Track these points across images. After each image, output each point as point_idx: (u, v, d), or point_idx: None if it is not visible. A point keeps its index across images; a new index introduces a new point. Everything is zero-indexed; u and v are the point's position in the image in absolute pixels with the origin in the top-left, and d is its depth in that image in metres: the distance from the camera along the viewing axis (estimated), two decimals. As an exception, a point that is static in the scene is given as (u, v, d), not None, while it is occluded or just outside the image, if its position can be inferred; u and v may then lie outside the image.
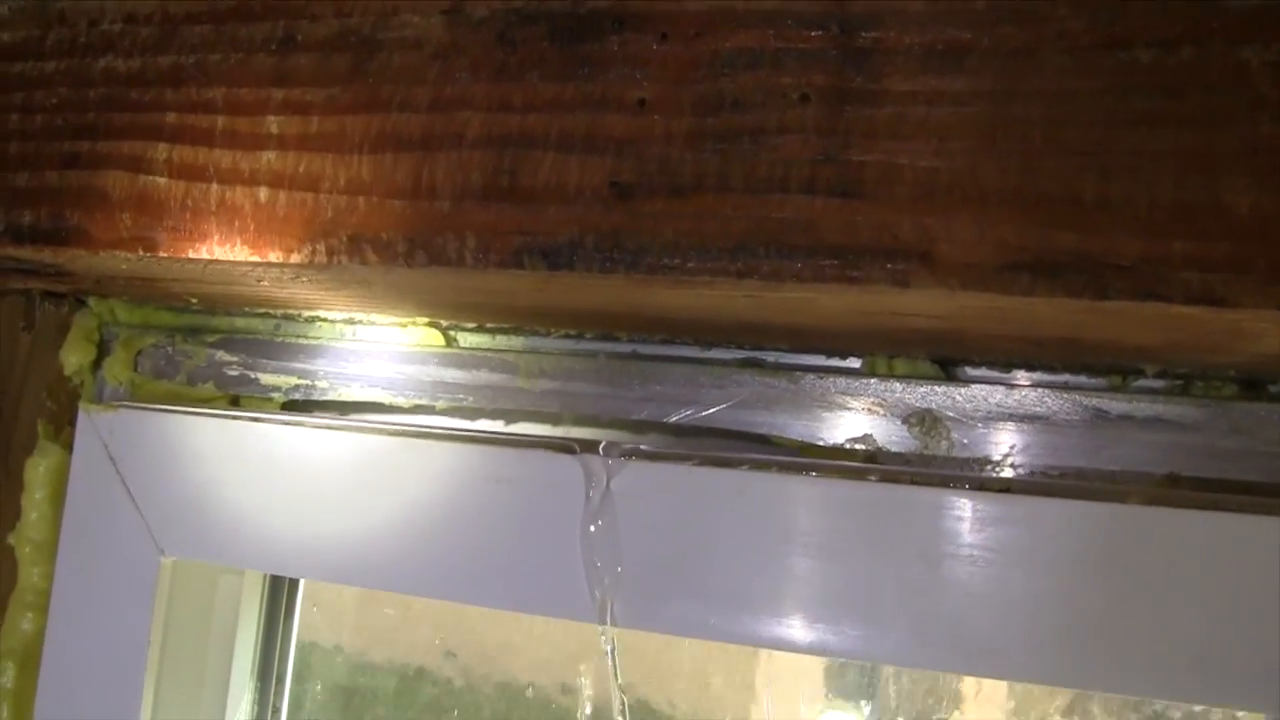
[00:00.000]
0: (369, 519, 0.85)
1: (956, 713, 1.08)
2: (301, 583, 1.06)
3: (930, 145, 0.61)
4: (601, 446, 0.80)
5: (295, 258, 0.72)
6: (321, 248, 0.72)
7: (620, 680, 0.83)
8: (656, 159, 0.65)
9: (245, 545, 0.89)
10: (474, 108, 0.70)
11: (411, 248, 0.69)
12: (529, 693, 1.19)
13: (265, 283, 0.80)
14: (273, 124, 0.74)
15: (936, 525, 0.72)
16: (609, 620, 0.79)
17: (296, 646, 1.06)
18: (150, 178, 0.77)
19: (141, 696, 0.91)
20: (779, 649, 0.76)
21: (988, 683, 1.08)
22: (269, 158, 0.74)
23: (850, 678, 1.10)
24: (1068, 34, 0.60)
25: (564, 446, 0.80)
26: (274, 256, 0.73)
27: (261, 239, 0.73)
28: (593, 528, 0.79)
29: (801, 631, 0.74)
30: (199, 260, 0.76)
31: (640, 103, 0.66)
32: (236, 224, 0.74)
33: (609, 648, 0.80)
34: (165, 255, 0.76)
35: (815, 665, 1.12)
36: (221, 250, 0.74)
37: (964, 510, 0.71)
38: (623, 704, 0.84)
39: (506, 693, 1.20)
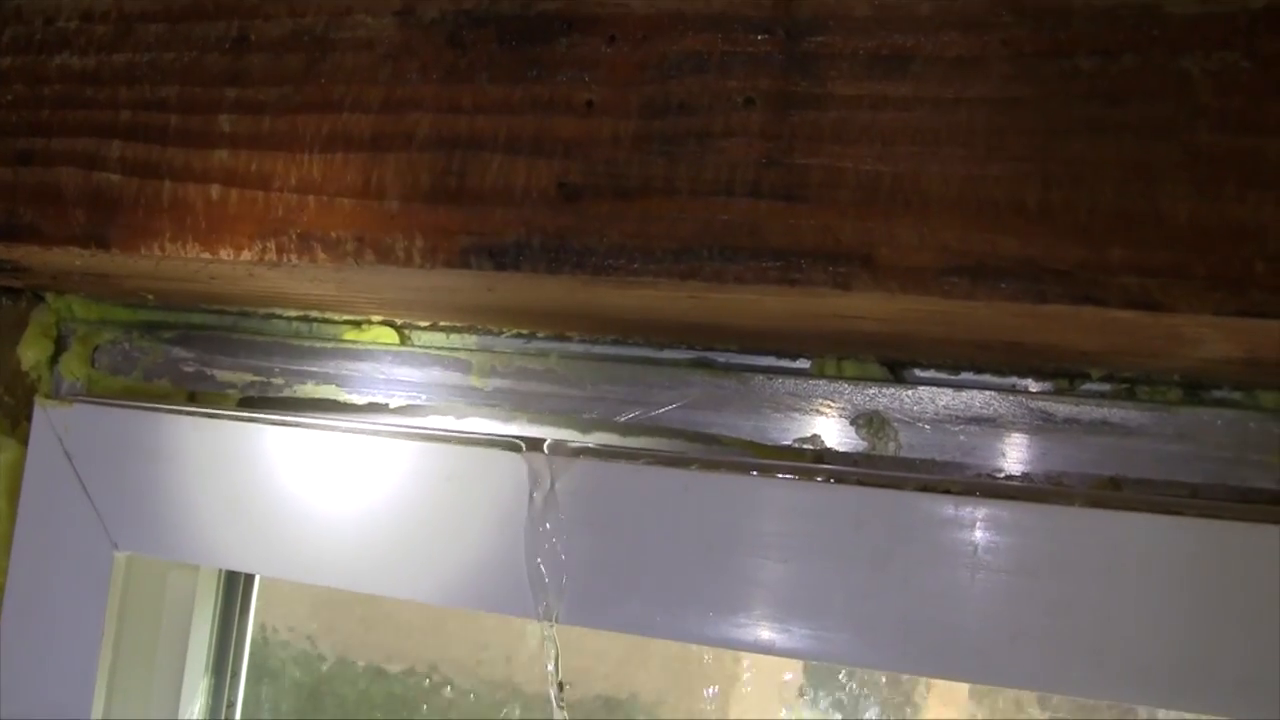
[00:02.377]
0: (321, 516, 0.86)
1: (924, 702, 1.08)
2: (257, 578, 1.06)
3: (874, 150, 0.61)
4: (546, 445, 0.80)
5: (246, 255, 0.73)
6: (272, 245, 0.72)
7: (560, 677, 0.83)
8: (604, 161, 0.65)
9: (199, 541, 0.89)
10: (424, 109, 0.70)
11: (360, 247, 0.70)
12: (474, 690, 1.19)
13: (219, 280, 0.80)
14: (225, 123, 0.74)
15: (885, 525, 0.72)
16: (551, 617, 0.79)
17: (253, 643, 1.06)
18: (103, 175, 0.77)
19: (94, 690, 0.92)
20: (726, 647, 0.76)
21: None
22: (221, 156, 0.74)
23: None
24: (1012, 41, 0.60)
25: (511, 445, 0.81)
26: (225, 254, 0.73)
27: (213, 236, 0.74)
28: (539, 526, 0.79)
29: (748, 630, 0.75)
30: (151, 257, 0.75)
31: (588, 104, 0.66)
32: (188, 221, 0.74)
33: (551, 645, 0.81)
34: (118, 252, 0.76)
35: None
36: (173, 247, 0.75)
37: (912, 511, 0.72)
38: (560, 701, 0.84)
39: (468, 689, 1.20)
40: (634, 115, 0.65)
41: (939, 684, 1.07)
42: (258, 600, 1.07)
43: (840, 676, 1.09)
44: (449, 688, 1.19)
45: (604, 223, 0.65)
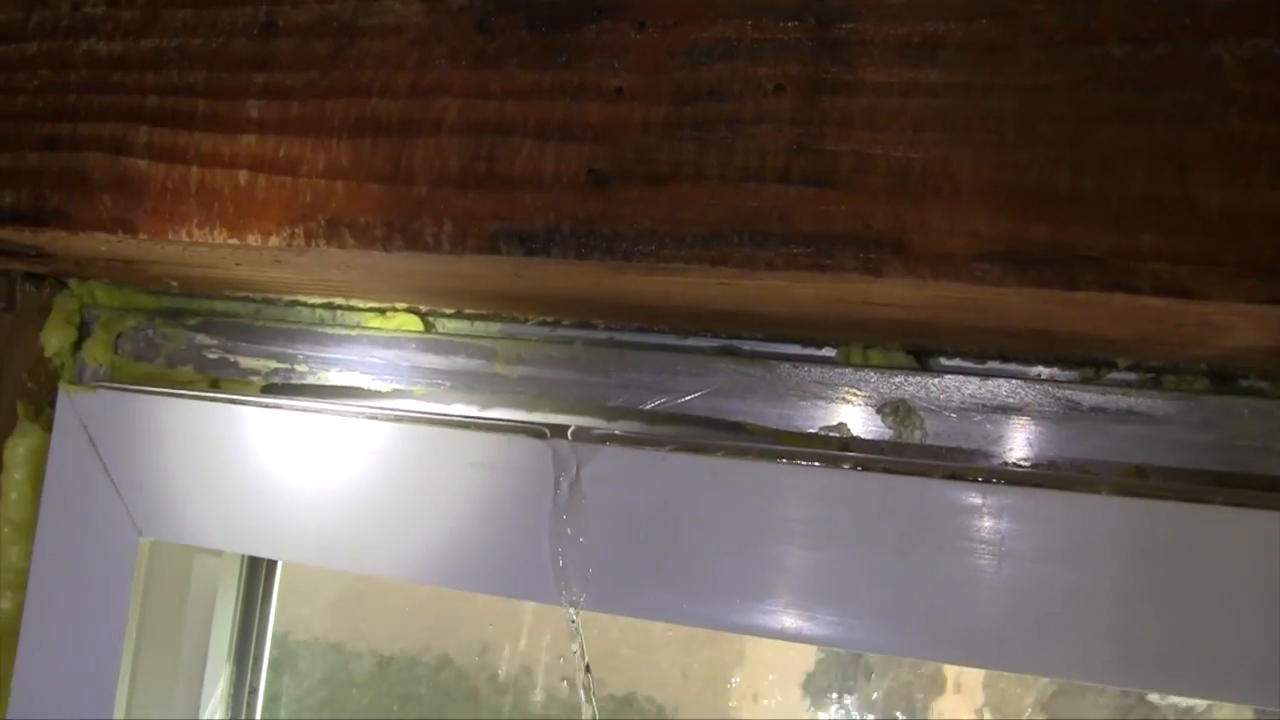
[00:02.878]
0: (345, 502, 0.86)
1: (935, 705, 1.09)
2: (279, 566, 1.06)
3: (904, 136, 0.61)
4: (570, 431, 0.80)
5: (274, 240, 0.73)
6: (300, 231, 0.72)
7: (587, 661, 0.83)
8: (633, 147, 0.65)
9: (223, 526, 0.90)
10: (452, 94, 0.70)
11: (389, 232, 0.70)
12: (501, 678, 1.19)
13: (244, 266, 0.81)
14: (253, 108, 0.75)
15: (911, 513, 0.72)
16: (575, 603, 0.79)
17: (274, 635, 1.06)
18: (130, 160, 0.77)
19: (118, 676, 0.92)
20: (751, 634, 0.76)
21: (964, 676, 1.08)
22: (249, 141, 0.74)
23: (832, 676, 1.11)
24: (1043, 28, 0.60)
25: (536, 431, 0.81)
26: (252, 239, 0.73)
27: (240, 222, 0.74)
28: (563, 513, 0.79)
29: (774, 617, 0.75)
30: (178, 242, 0.76)
31: (618, 91, 0.66)
32: (216, 206, 0.74)
33: (576, 631, 0.81)
34: (144, 237, 0.76)
35: (800, 659, 1.13)
36: (201, 233, 0.75)
37: (938, 499, 0.72)
38: (588, 687, 0.85)
39: (489, 682, 1.20)
40: (664, 101, 0.65)
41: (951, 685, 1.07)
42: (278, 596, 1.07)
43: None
44: (466, 678, 1.19)
45: (634, 208, 0.65)
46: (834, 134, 0.62)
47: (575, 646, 0.82)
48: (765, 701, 1.14)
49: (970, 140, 0.60)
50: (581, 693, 0.84)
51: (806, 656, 1.13)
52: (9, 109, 0.82)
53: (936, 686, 1.09)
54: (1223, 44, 0.57)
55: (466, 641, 1.21)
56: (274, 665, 1.07)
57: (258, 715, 1.05)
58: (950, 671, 1.09)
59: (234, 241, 0.74)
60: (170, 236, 0.76)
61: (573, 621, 0.80)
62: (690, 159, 0.64)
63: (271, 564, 1.06)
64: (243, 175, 0.74)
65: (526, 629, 1.19)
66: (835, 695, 1.11)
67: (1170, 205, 0.57)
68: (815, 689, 1.12)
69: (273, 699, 1.09)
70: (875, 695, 1.10)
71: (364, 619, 1.26)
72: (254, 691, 1.04)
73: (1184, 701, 1.00)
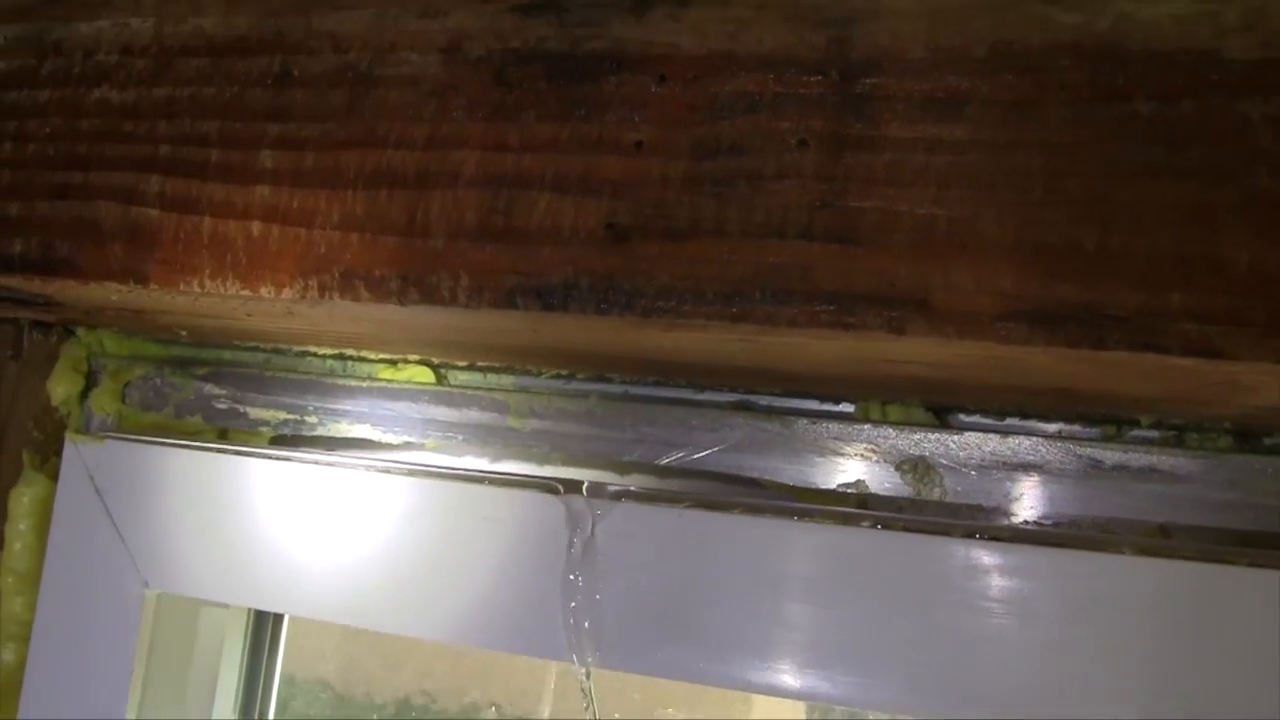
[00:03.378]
0: (354, 555, 0.85)
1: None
2: (286, 618, 1.05)
3: (929, 193, 0.60)
4: (585, 487, 0.79)
5: (287, 293, 0.72)
6: (314, 283, 0.71)
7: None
8: (653, 201, 0.65)
9: (230, 579, 0.89)
10: (470, 146, 0.69)
11: (404, 285, 0.69)
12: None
13: (256, 317, 0.80)
14: (267, 158, 0.74)
15: (930, 572, 0.72)
16: (588, 662, 0.78)
17: (280, 682, 1.05)
18: (142, 209, 0.77)
19: (124, 729, 0.91)
20: (770, 694, 0.75)
21: None
22: (262, 192, 0.74)
23: None
24: (1069, 85, 0.59)
25: (550, 487, 0.80)
26: (265, 291, 0.73)
27: (254, 273, 0.73)
28: (576, 569, 0.78)
29: (793, 677, 0.74)
30: (190, 293, 0.75)
31: (637, 145, 0.66)
32: (229, 258, 0.74)
33: (586, 690, 0.80)
34: (155, 287, 0.76)
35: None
36: (213, 284, 0.74)
37: (958, 558, 0.71)
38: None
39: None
40: (684, 156, 0.65)
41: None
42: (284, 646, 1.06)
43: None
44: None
45: (653, 264, 0.64)
46: (857, 190, 0.62)
47: (586, 706, 0.81)
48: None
49: (996, 197, 0.59)
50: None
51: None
52: (19, 157, 0.82)
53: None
54: (1250, 101, 0.57)
55: (482, 685, 1.21)
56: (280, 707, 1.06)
57: (264, 768, 1.04)
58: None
59: (246, 293, 0.73)
60: (182, 287, 0.75)
61: (584, 680, 0.79)
62: (711, 214, 0.64)
63: (279, 616, 1.05)
64: (256, 226, 0.73)
65: (542, 683, 1.18)
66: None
67: (1199, 264, 0.56)
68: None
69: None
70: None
71: (370, 665, 1.25)
72: (261, 746, 1.03)
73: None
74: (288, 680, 1.08)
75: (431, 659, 1.23)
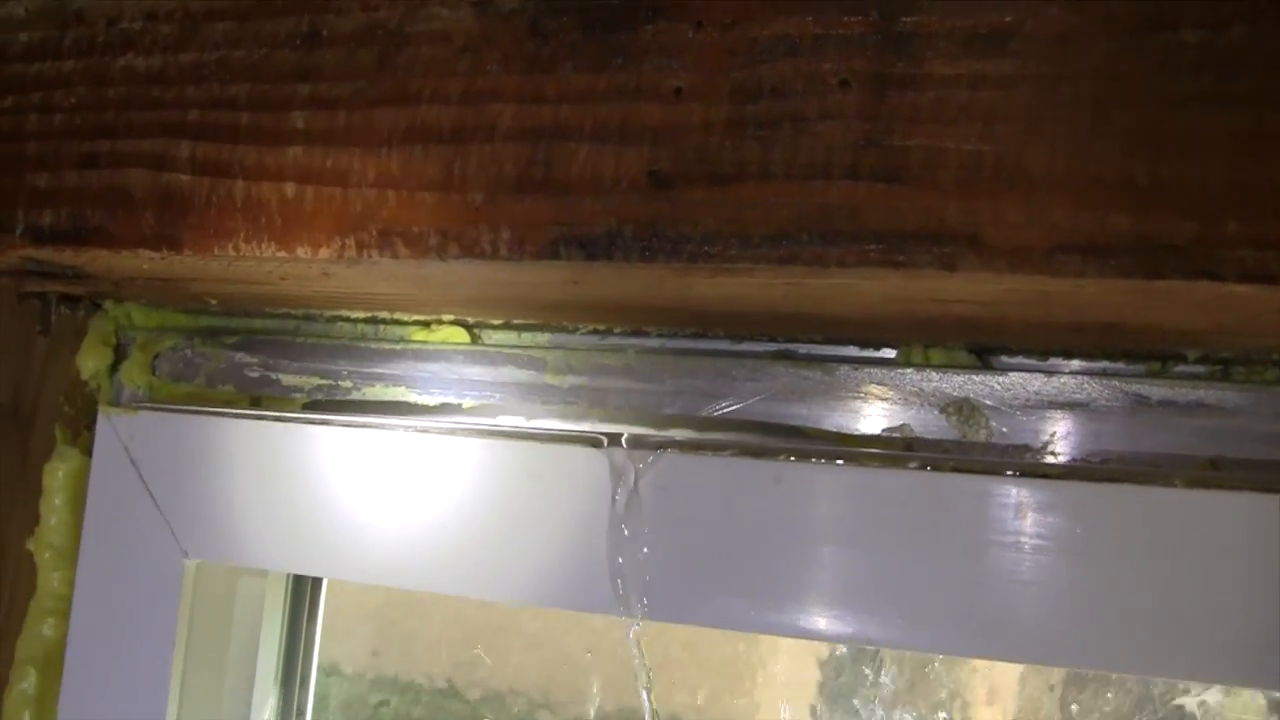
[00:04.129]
0: (395, 517, 0.85)
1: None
2: (324, 587, 1.05)
3: (975, 129, 0.60)
4: (625, 439, 0.79)
5: (324, 253, 0.72)
6: (351, 242, 0.71)
7: (649, 674, 0.82)
8: (695, 147, 0.64)
9: (271, 546, 0.88)
10: (506, 100, 0.69)
11: (444, 240, 0.69)
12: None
13: (289, 280, 0.80)
14: (299, 119, 0.74)
15: (980, 512, 0.71)
16: (636, 613, 0.78)
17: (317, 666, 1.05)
18: (173, 175, 0.76)
19: (167, 700, 0.91)
20: (821, 640, 0.76)
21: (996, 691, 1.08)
22: (295, 153, 0.73)
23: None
24: (1114, 16, 0.59)
25: (593, 440, 0.80)
26: (302, 252, 0.72)
27: (289, 234, 0.73)
28: (622, 523, 0.78)
29: (841, 622, 0.74)
30: (224, 257, 0.75)
31: (677, 91, 0.65)
32: (263, 220, 0.73)
33: (635, 643, 0.80)
34: (189, 253, 0.75)
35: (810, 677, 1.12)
36: (248, 247, 0.74)
37: (1008, 497, 0.71)
38: (650, 700, 0.84)
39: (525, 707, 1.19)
40: (724, 101, 0.65)
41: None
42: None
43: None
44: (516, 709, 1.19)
45: (697, 209, 0.64)
46: (902, 129, 0.61)
47: (636, 658, 0.81)
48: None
49: (1044, 132, 0.59)
50: (645, 705, 0.83)
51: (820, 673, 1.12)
52: (46, 128, 0.81)
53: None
54: (1300, 26, 0.57)
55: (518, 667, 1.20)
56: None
57: (306, 737, 1.04)
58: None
59: (283, 254, 0.73)
60: (216, 252, 0.75)
61: (633, 635, 0.79)
62: (755, 158, 0.63)
63: (316, 585, 1.04)
64: (290, 187, 0.73)
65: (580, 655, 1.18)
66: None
67: (1253, 191, 0.56)
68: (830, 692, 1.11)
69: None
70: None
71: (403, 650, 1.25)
72: (301, 714, 1.03)
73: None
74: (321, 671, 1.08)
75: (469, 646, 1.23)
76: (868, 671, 1.09)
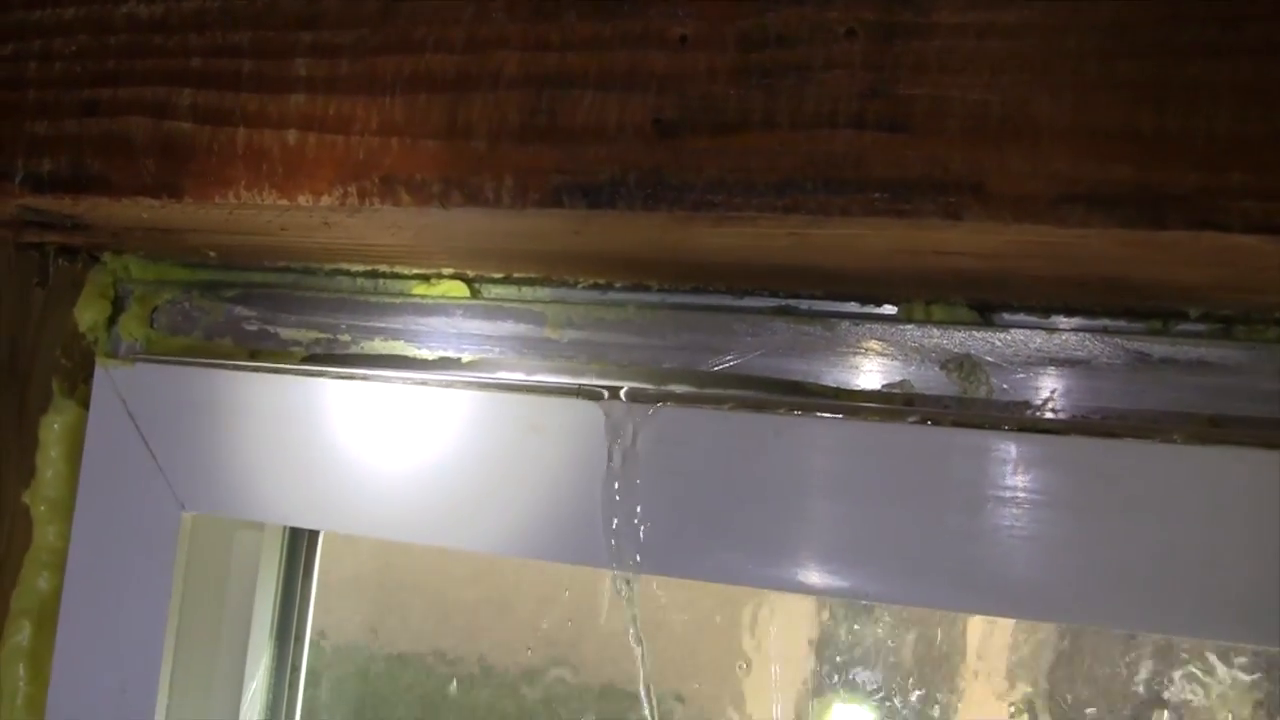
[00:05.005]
0: (393, 470, 0.85)
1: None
2: (320, 542, 1.05)
3: (981, 78, 0.60)
4: (624, 392, 0.79)
5: (325, 200, 0.72)
6: (353, 189, 0.71)
7: (639, 630, 0.82)
8: (699, 96, 0.64)
9: (267, 499, 0.89)
10: (510, 47, 0.69)
11: (447, 188, 0.69)
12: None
13: (290, 230, 0.80)
14: (301, 66, 0.73)
15: (979, 467, 0.72)
16: (630, 568, 0.78)
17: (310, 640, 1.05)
18: (174, 123, 0.76)
19: (162, 653, 0.91)
20: (820, 594, 0.76)
21: (985, 665, 1.07)
22: (298, 100, 0.73)
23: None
24: (1121, -35, 0.59)
25: (591, 393, 0.80)
26: (303, 199, 0.72)
27: (291, 182, 0.73)
28: (619, 476, 0.78)
29: (840, 577, 0.74)
30: (225, 204, 0.75)
31: (682, 39, 0.65)
32: (264, 167, 0.73)
33: (627, 598, 0.80)
34: (190, 201, 0.75)
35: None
36: (249, 194, 0.74)
37: (1008, 451, 0.71)
38: (641, 655, 0.84)
39: (526, 679, 1.19)
40: (730, 49, 0.64)
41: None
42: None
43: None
44: (503, 681, 1.18)
45: (702, 158, 0.64)
46: (908, 78, 0.61)
47: (630, 612, 0.81)
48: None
49: (1049, 81, 0.59)
50: (638, 658, 0.83)
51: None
52: (46, 76, 0.81)
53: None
54: (1309, -22, 0.56)
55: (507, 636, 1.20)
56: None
57: (300, 692, 1.04)
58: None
59: (284, 202, 0.73)
60: (217, 199, 0.75)
61: (627, 588, 0.79)
62: (759, 106, 0.63)
63: (312, 540, 1.04)
64: (292, 135, 0.73)
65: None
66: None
67: (1258, 142, 0.56)
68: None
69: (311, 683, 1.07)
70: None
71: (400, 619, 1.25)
72: (296, 669, 1.03)
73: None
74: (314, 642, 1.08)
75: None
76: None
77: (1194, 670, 0.92)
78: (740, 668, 1.07)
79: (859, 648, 1.04)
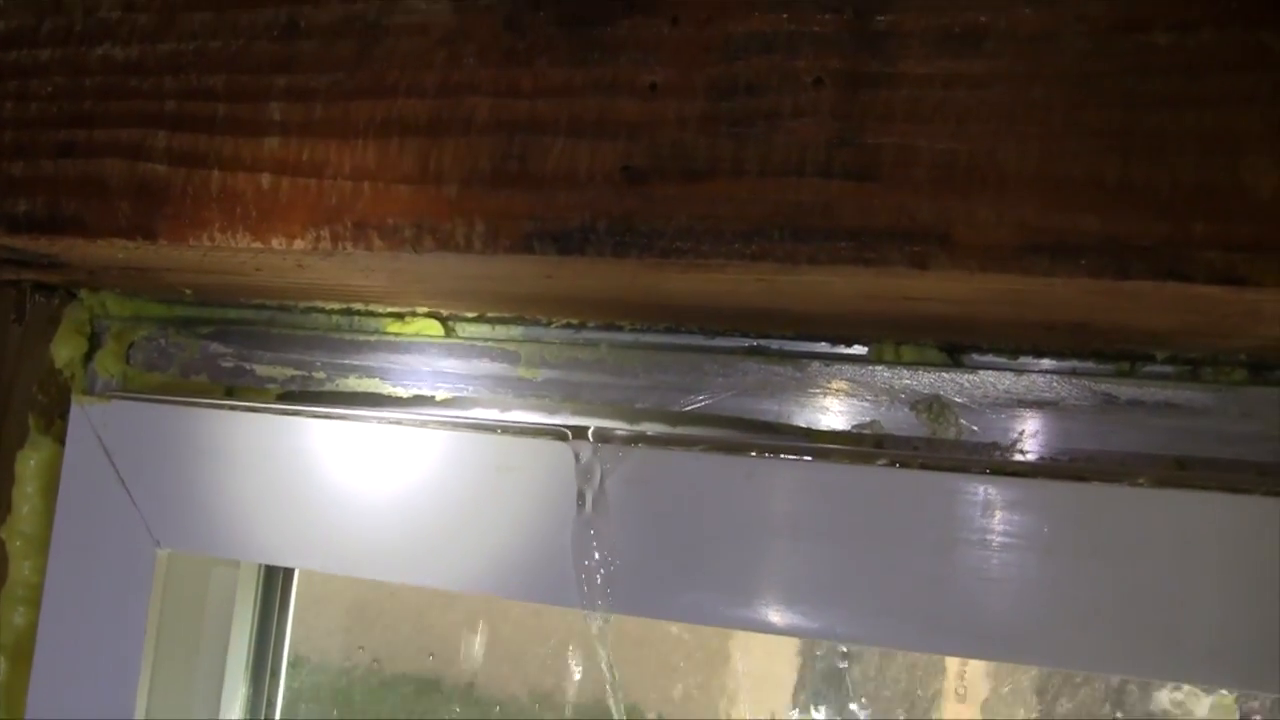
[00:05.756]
0: (366, 508, 0.85)
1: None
2: (295, 578, 1.05)
3: (948, 128, 0.60)
4: (591, 432, 0.80)
5: (299, 244, 0.72)
6: (326, 233, 0.71)
7: (613, 668, 0.83)
8: (669, 143, 0.65)
9: (242, 536, 0.89)
10: (482, 93, 0.69)
11: (419, 233, 0.69)
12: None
13: (264, 271, 0.80)
14: (275, 110, 0.74)
15: (948, 509, 0.72)
16: (600, 607, 0.79)
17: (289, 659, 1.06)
18: (149, 165, 0.76)
19: (136, 691, 0.91)
20: (789, 635, 0.76)
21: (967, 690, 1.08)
22: (272, 144, 0.73)
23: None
24: (1087, 16, 0.59)
25: (560, 434, 0.80)
26: (277, 243, 0.72)
27: (264, 225, 0.73)
28: (589, 516, 0.79)
29: (810, 618, 0.75)
30: (199, 247, 0.75)
31: (652, 87, 0.66)
32: (238, 211, 0.74)
33: (601, 636, 0.80)
34: (164, 243, 0.76)
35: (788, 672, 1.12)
36: (223, 237, 0.74)
37: (975, 494, 0.72)
38: (614, 687, 0.84)
39: (503, 701, 1.19)
40: (699, 97, 0.65)
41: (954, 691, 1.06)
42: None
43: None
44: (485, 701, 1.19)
45: (671, 205, 0.64)
46: (875, 127, 0.62)
47: (602, 652, 0.81)
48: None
49: (1016, 131, 0.59)
50: (610, 699, 0.83)
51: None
52: (22, 116, 0.81)
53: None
54: (1270, 30, 0.57)
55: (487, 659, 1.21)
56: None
57: (276, 728, 1.04)
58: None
59: (257, 245, 0.73)
60: (191, 242, 0.75)
61: (603, 625, 0.79)
62: (728, 154, 0.64)
63: (288, 575, 1.05)
64: (266, 179, 0.73)
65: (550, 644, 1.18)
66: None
67: (1221, 192, 0.56)
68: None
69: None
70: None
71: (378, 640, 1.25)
72: (271, 704, 1.03)
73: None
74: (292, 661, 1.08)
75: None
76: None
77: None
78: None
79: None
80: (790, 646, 1.10)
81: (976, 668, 1.05)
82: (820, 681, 1.09)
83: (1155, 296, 0.59)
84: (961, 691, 1.07)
